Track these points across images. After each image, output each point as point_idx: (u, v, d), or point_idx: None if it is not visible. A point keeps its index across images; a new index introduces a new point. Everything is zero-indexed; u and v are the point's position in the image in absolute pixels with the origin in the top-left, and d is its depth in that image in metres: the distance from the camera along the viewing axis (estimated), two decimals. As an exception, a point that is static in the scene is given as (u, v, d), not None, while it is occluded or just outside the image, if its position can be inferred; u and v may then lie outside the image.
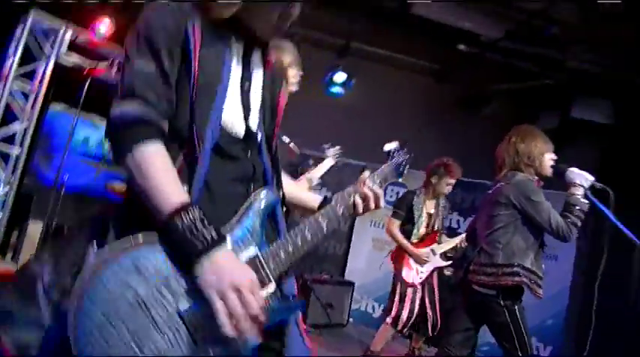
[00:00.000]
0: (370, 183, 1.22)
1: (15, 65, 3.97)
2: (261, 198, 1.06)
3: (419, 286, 3.77)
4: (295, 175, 2.97)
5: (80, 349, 0.84)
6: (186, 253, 0.89)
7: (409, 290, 3.72)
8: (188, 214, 0.90)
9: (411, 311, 3.69)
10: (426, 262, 3.76)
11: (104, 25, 4.54)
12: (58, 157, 4.94)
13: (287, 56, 2.19)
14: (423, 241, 3.88)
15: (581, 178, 2.50)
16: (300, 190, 1.36)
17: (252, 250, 1.00)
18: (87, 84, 3.91)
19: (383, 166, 1.36)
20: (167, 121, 0.99)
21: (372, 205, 1.22)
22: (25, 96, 4.16)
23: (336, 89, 6.04)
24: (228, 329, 0.87)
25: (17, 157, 4.14)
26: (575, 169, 2.54)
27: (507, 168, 2.68)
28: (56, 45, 4.22)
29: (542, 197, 2.53)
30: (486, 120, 6.00)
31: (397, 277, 3.79)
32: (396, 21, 5.39)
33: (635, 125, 5.13)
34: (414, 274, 3.77)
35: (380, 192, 1.23)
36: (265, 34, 1.12)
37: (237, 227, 1.01)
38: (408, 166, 1.50)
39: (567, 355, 4.79)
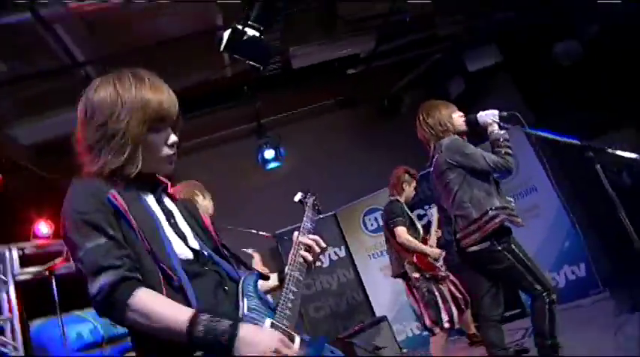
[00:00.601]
0: (302, 237, 1.46)
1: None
2: (247, 284, 1.28)
3: (448, 278, 3.83)
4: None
5: None
6: (219, 349, 1.06)
7: (443, 286, 3.76)
8: (199, 323, 1.06)
9: (456, 303, 3.72)
10: (441, 256, 3.86)
11: (44, 227, 4.68)
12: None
13: (198, 197, 2.52)
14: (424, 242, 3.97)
15: (490, 116, 2.78)
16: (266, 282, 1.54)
17: (267, 322, 1.20)
18: (54, 285, 3.92)
19: (305, 216, 1.63)
20: (138, 272, 1.14)
21: (317, 249, 1.46)
22: (1, 331, 4.11)
23: (272, 164, 6.32)
24: None
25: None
26: (482, 113, 2.84)
27: (433, 142, 2.92)
28: (7, 268, 4.26)
29: (472, 148, 2.78)
30: (409, 115, 6.36)
31: (427, 280, 3.75)
32: (287, 81, 5.81)
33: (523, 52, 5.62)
34: (441, 271, 3.83)
35: (315, 237, 1.47)
36: (165, 169, 1.31)
37: (247, 313, 1.21)
38: (318, 205, 1.79)
39: (601, 265, 4.87)
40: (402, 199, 4.05)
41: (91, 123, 1.23)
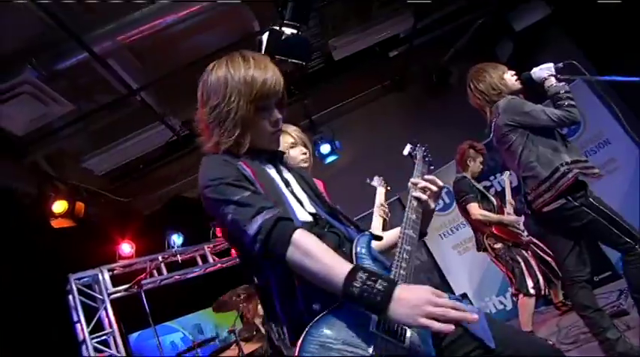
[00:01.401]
0: (416, 180, 1.42)
1: (84, 326, 4.35)
2: (360, 246, 1.26)
3: (531, 243, 3.72)
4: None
5: None
6: (373, 308, 1.05)
7: (527, 253, 3.66)
8: (357, 279, 1.06)
9: (541, 269, 3.61)
10: (519, 221, 3.77)
11: (126, 246, 5.06)
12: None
13: (287, 138, 2.33)
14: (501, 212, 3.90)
15: (545, 71, 2.62)
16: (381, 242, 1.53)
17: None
18: (144, 298, 4.22)
19: (415, 169, 1.59)
20: None
21: (435, 188, 1.40)
22: (106, 344, 4.49)
23: (330, 158, 6.36)
24: (446, 329, 1.00)
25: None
26: (536, 68, 2.67)
27: (489, 107, 2.82)
28: (102, 288, 4.64)
29: (531, 105, 2.63)
30: (460, 87, 6.17)
31: (510, 249, 3.68)
32: (331, 74, 5.84)
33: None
34: (523, 236, 3.75)
35: (430, 177, 1.42)
36: (271, 146, 1.38)
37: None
38: (429, 156, 1.73)
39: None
40: (468, 175, 3.97)
41: (207, 105, 1.32)
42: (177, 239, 5.36)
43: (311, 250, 1.10)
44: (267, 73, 1.30)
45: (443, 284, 5.76)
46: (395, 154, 7.11)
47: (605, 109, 4.66)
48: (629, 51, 4.78)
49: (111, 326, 4.56)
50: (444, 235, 5.87)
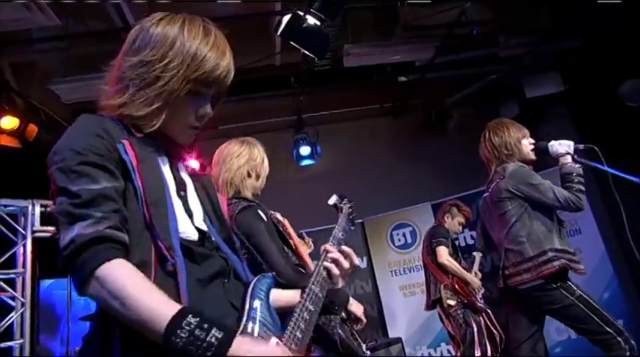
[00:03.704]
0: (331, 247, 1.23)
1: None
2: (258, 288, 1.05)
3: (484, 312, 3.64)
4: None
5: None
6: None
7: (480, 320, 3.57)
8: (184, 326, 0.81)
9: (491, 338, 3.52)
10: (481, 290, 3.71)
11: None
12: (62, 330, 4.77)
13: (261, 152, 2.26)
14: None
15: (565, 147, 2.54)
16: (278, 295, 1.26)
17: (273, 340, 0.94)
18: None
19: (338, 224, 1.39)
20: (125, 232, 0.92)
21: (346, 264, 1.21)
22: (11, 283, 4.05)
23: (307, 161, 6.15)
24: None
25: (21, 349, 3.94)
26: (555, 142, 2.58)
27: (494, 165, 2.69)
28: (28, 223, 4.20)
29: (539, 178, 2.53)
30: (455, 133, 6.12)
31: (465, 310, 3.59)
32: (335, 79, 5.64)
33: (587, 84, 5.30)
34: (479, 302, 3.67)
35: (347, 250, 1.24)
36: (182, 139, 1.13)
37: (249, 322, 0.96)
38: (354, 213, 1.55)
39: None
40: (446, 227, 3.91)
41: (136, 55, 1.05)
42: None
43: (122, 290, 0.84)
44: (223, 58, 1.06)
45: (379, 321, 5.62)
46: (370, 176, 7.02)
47: (587, 202, 4.66)
48: (629, 152, 4.82)
49: (24, 266, 4.11)
50: (396, 272, 5.75)
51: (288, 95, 5.72)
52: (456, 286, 3.63)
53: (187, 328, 0.81)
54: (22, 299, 4.01)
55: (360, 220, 6.07)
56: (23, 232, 4.17)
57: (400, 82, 5.67)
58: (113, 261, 0.87)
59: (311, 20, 3.71)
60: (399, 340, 4.69)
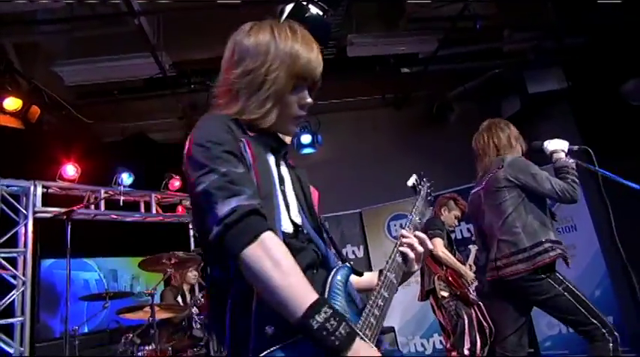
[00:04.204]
0: (407, 232, 1.26)
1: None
2: (336, 278, 1.11)
3: (476, 305, 3.68)
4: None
5: None
6: (328, 349, 0.91)
7: (472, 313, 3.62)
8: (321, 313, 0.92)
9: (481, 331, 3.56)
10: (474, 282, 3.72)
11: (71, 169, 4.69)
12: (62, 308, 4.87)
13: None
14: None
15: (559, 145, 2.59)
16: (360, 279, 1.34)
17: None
18: (69, 229, 3.90)
19: (414, 207, 1.43)
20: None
21: (421, 249, 1.24)
22: (13, 262, 4.14)
23: (307, 150, 6.17)
24: None
25: (22, 326, 4.03)
26: (550, 141, 2.63)
27: (490, 158, 2.73)
28: (30, 203, 4.27)
29: (537, 169, 2.56)
30: (456, 126, 6.13)
31: (457, 302, 3.63)
32: (338, 68, 5.63)
33: (590, 81, 5.29)
34: (471, 294, 3.70)
35: (421, 235, 1.27)
36: (291, 129, 1.24)
37: None
38: (432, 195, 1.59)
39: (630, 320, 4.58)
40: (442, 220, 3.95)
41: (239, 66, 1.16)
42: (126, 178, 5.00)
43: (278, 259, 0.94)
44: (313, 52, 1.18)
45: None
46: (369, 166, 7.03)
47: (583, 198, 4.70)
48: (629, 152, 4.84)
49: (25, 245, 4.19)
50: (391, 262, 5.81)
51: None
52: (450, 278, 3.68)
53: (324, 315, 0.92)
54: (22, 278, 4.11)
55: (358, 210, 6.13)
56: (25, 212, 4.25)
57: (403, 74, 5.66)
58: (270, 231, 0.98)
59: (314, 10, 3.73)
60: (391, 329, 4.76)
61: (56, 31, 4.67)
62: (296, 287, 0.94)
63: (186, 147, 1.08)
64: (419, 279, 4.09)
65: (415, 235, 1.25)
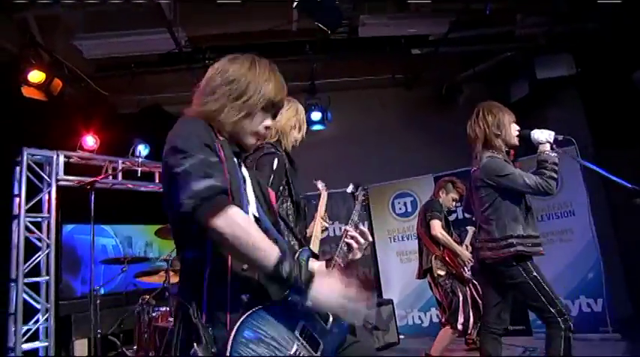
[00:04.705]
0: (350, 228, 1.63)
1: (23, 202, 4.26)
2: (302, 258, 1.41)
3: (471, 283, 3.89)
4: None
5: None
6: (299, 288, 1.20)
7: (466, 290, 3.83)
8: (287, 261, 1.19)
9: (475, 307, 3.78)
10: (470, 262, 3.90)
11: (90, 139, 4.92)
12: (83, 270, 5.21)
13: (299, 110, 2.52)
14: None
15: (545, 136, 2.71)
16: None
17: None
18: (93, 198, 4.13)
19: (355, 209, 1.83)
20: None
21: (362, 241, 1.58)
22: (38, 226, 4.43)
23: (317, 126, 6.31)
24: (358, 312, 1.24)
25: (47, 284, 4.36)
26: (537, 130, 2.75)
27: (480, 143, 2.86)
28: (53, 172, 4.52)
29: (510, 168, 2.72)
30: (464, 108, 6.21)
31: (453, 280, 3.85)
32: (350, 48, 5.72)
33: (599, 68, 5.32)
34: (466, 273, 3.91)
35: (363, 229, 1.62)
36: (250, 142, 1.46)
37: None
38: (367, 200, 1.97)
39: (620, 304, 4.77)
40: (440, 201, 4.10)
41: (222, 76, 1.39)
42: (143, 150, 5.23)
43: (246, 225, 1.18)
44: (282, 92, 1.46)
45: (375, 283, 5.97)
46: (376, 145, 7.14)
47: (583, 186, 4.82)
48: (635, 141, 4.92)
49: (49, 211, 4.47)
50: (394, 239, 6.04)
51: (302, 61, 5.82)
52: (447, 258, 3.88)
53: (290, 263, 1.19)
54: (47, 240, 4.41)
55: (365, 188, 6.31)
56: (49, 179, 4.51)
57: (413, 55, 5.73)
58: (234, 207, 1.19)
59: (326, -6, 3.82)
60: (390, 301, 5.01)
61: (76, 4, 4.80)
62: (264, 246, 1.18)
63: (168, 139, 1.27)
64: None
65: (359, 230, 1.60)
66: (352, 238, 1.57)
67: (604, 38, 5.16)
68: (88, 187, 4.03)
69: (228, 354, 1.08)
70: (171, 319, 3.57)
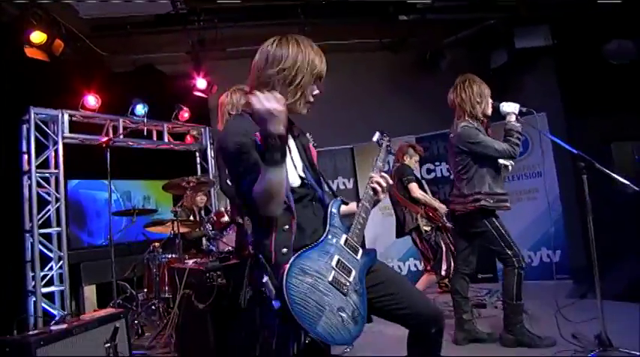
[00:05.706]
0: (375, 174, 1.83)
1: (33, 159, 4.51)
2: (332, 208, 1.70)
3: (449, 231, 4.33)
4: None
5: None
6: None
7: (446, 237, 4.29)
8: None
9: (453, 257, 4.17)
10: (446, 213, 4.29)
11: (92, 99, 5.11)
12: (88, 223, 5.54)
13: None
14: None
15: (512, 108, 3.18)
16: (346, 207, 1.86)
17: (343, 237, 1.65)
18: (108, 155, 4.33)
19: (378, 156, 2.00)
20: None
21: (384, 185, 1.79)
22: (47, 181, 4.70)
23: (306, 88, 6.56)
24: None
25: (59, 235, 4.70)
26: (504, 103, 3.20)
27: (461, 109, 3.26)
28: (59, 130, 4.76)
29: (481, 136, 3.17)
30: (447, 73, 6.52)
31: (436, 234, 4.29)
32: (339, 12, 5.92)
33: (574, 40, 5.66)
34: (445, 223, 4.35)
35: (384, 175, 1.82)
36: (303, 110, 1.72)
37: (329, 229, 1.64)
38: (391, 147, 2.16)
39: (575, 255, 5.37)
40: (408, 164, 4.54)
41: (272, 66, 1.63)
42: (141, 109, 5.45)
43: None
44: (323, 62, 1.73)
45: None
46: (362, 106, 7.45)
47: (551, 150, 5.29)
48: (604, 108, 5.29)
49: (57, 167, 4.74)
50: (377, 195, 6.48)
51: (294, 24, 6.00)
52: (430, 214, 4.35)
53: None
54: (56, 194, 4.70)
55: (350, 146, 6.69)
56: (55, 137, 4.75)
57: (400, 21, 5.97)
58: None
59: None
60: (374, 250, 5.49)
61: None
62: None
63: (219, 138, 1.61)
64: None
65: (381, 175, 1.81)
66: (377, 182, 1.78)
67: (580, 10, 5.46)
68: (104, 145, 4.29)
69: (284, 282, 1.41)
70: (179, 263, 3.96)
